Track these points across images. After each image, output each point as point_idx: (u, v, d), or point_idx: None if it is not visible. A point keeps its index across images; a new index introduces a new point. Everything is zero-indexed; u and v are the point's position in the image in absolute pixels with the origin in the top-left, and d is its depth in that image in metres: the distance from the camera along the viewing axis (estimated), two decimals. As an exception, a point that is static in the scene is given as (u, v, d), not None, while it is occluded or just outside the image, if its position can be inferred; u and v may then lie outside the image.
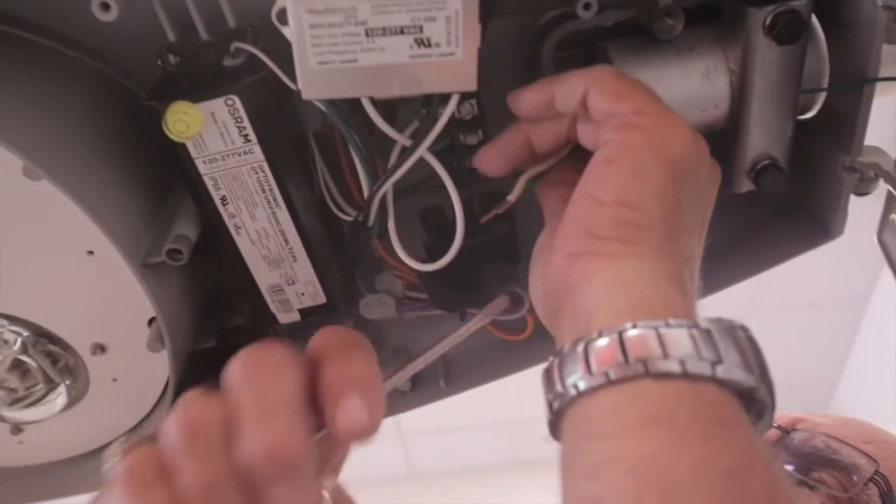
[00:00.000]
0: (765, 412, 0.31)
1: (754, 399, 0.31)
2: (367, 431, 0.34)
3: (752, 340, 0.32)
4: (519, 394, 0.50)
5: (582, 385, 0.31)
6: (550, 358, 0.34)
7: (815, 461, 0.58)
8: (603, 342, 0.31)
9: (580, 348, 0.32)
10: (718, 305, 0.54)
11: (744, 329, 0.32)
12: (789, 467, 0.59)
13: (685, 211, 0.37)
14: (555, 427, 0.33)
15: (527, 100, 0.41)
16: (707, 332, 0.31)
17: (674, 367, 0.30)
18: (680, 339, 0.30)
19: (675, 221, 0.36)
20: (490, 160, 0.43)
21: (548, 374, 0.33)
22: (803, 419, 0.63)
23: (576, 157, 0.42)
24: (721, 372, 0.30)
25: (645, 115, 0.37)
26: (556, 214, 0.43)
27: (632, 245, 0.35)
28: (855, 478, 0.55)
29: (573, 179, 0.44)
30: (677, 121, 0.38)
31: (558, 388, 0.32)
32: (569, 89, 0.40)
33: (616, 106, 0.38)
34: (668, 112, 0.38)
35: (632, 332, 0.31)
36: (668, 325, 0.31)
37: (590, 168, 0.38)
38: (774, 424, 0.62)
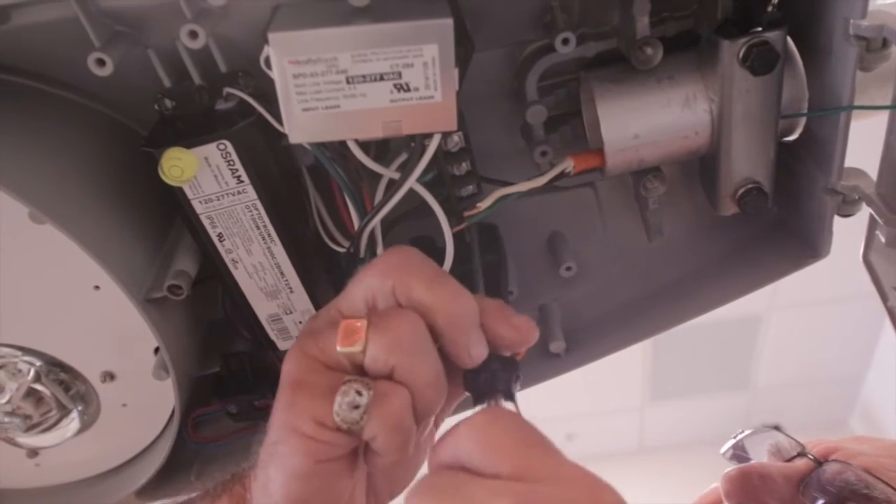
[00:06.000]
0: None
1: None
2: None
3: None
4: (539, 393, 0.52)
5: None
6: None
7: (848, 496, 0.55)
8: None
9: None
10: (740, 304, 0.54)
11: None
12: (820, 502, 0.57)
13: None
14: None
15: None
16: None
17: None
18: None
19: None
20: None
21: None
22: (839, 448, 0.59)
23: None
24: None
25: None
26: None
27: None
28: None
29: None
30: None
31: None
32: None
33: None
34: None
35: None
36: None
37: None
38: (808, 455, 0.59)
